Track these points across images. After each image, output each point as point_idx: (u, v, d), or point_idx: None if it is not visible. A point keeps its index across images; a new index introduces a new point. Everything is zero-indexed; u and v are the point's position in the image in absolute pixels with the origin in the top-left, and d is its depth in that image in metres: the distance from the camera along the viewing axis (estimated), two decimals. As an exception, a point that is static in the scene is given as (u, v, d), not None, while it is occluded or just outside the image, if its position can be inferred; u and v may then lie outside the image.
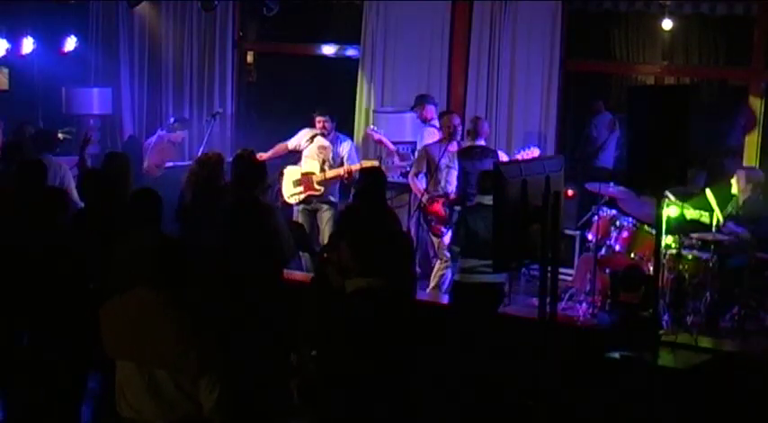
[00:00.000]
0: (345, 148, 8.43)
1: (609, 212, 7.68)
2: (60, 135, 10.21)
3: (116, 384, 3.51)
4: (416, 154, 8.60)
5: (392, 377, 3.52)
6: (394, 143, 9.30)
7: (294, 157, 8.57)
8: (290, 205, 8.43)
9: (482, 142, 7.88)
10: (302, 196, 8.36)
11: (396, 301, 3.63)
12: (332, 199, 8.44)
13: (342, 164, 8.30)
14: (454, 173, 7.88)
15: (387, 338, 3.52)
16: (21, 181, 5.84)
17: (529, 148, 8.05)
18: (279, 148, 8.57)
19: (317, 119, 8.35)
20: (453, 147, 7.94)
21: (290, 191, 8.40)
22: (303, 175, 8.36)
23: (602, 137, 10.29)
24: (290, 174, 8.45)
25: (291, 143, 8.52)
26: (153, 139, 9.91)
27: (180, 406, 3.40)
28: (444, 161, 7.91)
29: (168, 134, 9.83)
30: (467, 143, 7.95)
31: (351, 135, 9.23)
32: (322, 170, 8.28)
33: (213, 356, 3.37)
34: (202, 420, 3.41)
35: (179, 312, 3.42)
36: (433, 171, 8.01)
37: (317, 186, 8.30)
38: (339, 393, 3.53)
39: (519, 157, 7.83)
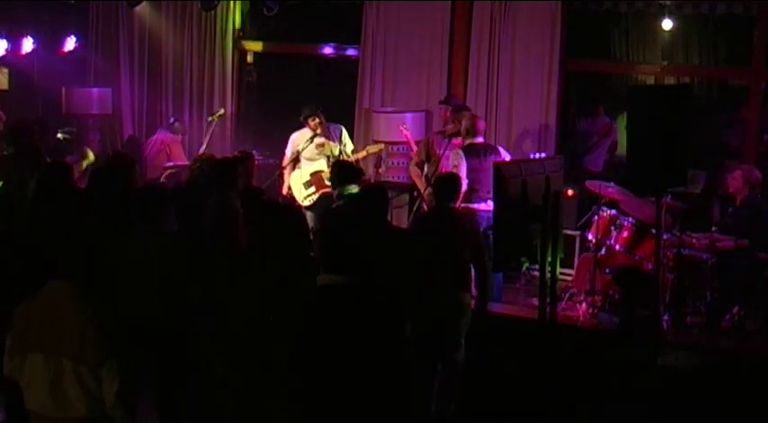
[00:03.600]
0: (342, 134, 8.61)
1: (609, 212, 7.68)
2: (60, 135, 10.24)
3: (23, 379, 3.55)
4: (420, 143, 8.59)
5: (345, 372, 3.49)
6: (394, 143, 9.31)
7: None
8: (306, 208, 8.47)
9: (481, 140, 7.87)
10: (316, 196, 8.42)
11: (359, 300, 3.61)
12: None
13: (341, 153, 8.45)
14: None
15: (339, 335, 3.51)
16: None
17: (540, 155, 8.00)
18: (286, 166, 8.59)
19: (310, 121, 8.38)
20: (458, 141, 7.94)
21: (303, 194, 8.47)
22: (312, 175, 8.45)
23: (586, 143, 10.19)
24: (296, 178, 8.52)
25: (289, 153, 8.54)
26: (158, 137, 9.92)
27: (81, 402, 3.44)
28: (448, 155, 7.90)
29: (174, 135, 9.86)
30: (465, 141, 7.93)
31: (350, 135, 9.23)
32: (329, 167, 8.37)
33: (110, 348, 3.41)
34: (105, 419, 3.45)
35: (84, 303, 3.48)
36: (434, 162, 8.02)
37: (328, 182, 8.37)
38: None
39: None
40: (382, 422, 3.50)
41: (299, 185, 8.50)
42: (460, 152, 7.68)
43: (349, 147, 8.65)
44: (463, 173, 7.58)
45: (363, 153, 8.51)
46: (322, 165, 8.41)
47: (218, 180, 6.22)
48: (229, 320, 4.23)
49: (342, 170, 6.66)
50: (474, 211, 7.25)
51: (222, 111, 10.15)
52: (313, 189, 8.43)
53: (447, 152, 7.91)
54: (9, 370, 3.64)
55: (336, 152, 8.46)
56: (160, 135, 10.00)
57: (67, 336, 3.44)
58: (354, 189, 6.65)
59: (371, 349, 3.47)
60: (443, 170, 7.84)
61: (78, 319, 3.45)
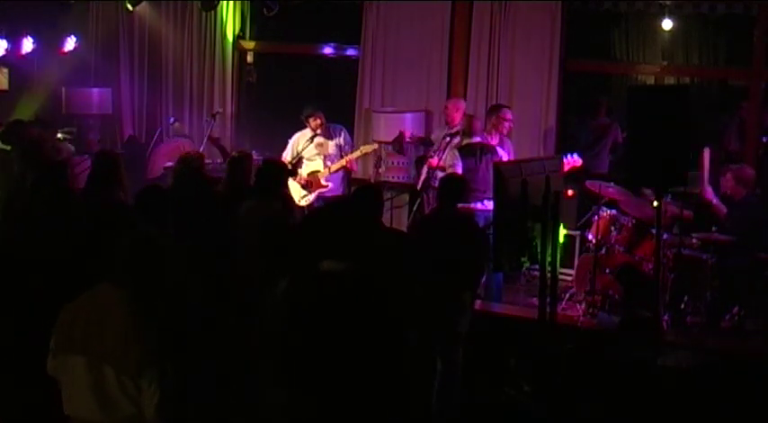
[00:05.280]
0: (342, 136, 8.62)
1: (609, 212, 7.68)
2: (60, 135, 10.24)
3: (65, 381, 3.53)
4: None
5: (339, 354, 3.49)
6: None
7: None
8: (302, 208, 8.47)
9: (477, 139, 7.88)
10: (312, 196, 8.42)
11: (360, 286, 3.62)
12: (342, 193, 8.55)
13: (341, 154, 8.46)
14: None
15: (339, 321, 3.51)
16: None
17: (571, 155, 7.74)
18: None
19: (311, 120, 8.38)
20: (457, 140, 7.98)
21: (300, 194, 8.47)
22: (309, 175, 8.44)
23: (585, 142, 10.14)
24: (294, 181, 8.52)
25: (289, 156, 8.54)
26: (166, 141, 9.92)
27: (121, 408, 3.41)
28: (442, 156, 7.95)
29: (183, 139, 9.84)
30: (463, 141, 7.94)
31: (350, 135, 9.23)
32: (326, 166, 8.39)
33: (153, 359, 3.37)
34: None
35: (132, 310, 3.45)
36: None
37: (324, 182, 8.40)
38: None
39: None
40: (382, 421, 3.50)
41: (296, 186, 8.50)
42: (456, 152, 7.71)
43: (348, 148, 8.64)
44: (459, 173, 7.61)
45: (357, 153, 8.50)
46: (319, 165, 8.43)
47: (261, 185, 6.12)
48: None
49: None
50: (472, 211, 7.25)
51: (220, 110, 10.15)
52: (309, 189, 8.44)
53: (442, 153, 7.94)
54: (52, 368, 3.63)
55: (333, 151, 8.47)
56: (177, 140, 9.99)
57: (111, 342, 3.40)
58: None
59: (371, 333, 3.48)
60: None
61: (123, 326, 3.42)
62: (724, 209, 7.44)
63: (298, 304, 3.64)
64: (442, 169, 7.76)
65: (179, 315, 4.73)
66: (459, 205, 7.26)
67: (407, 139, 9.07)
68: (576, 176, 8.52)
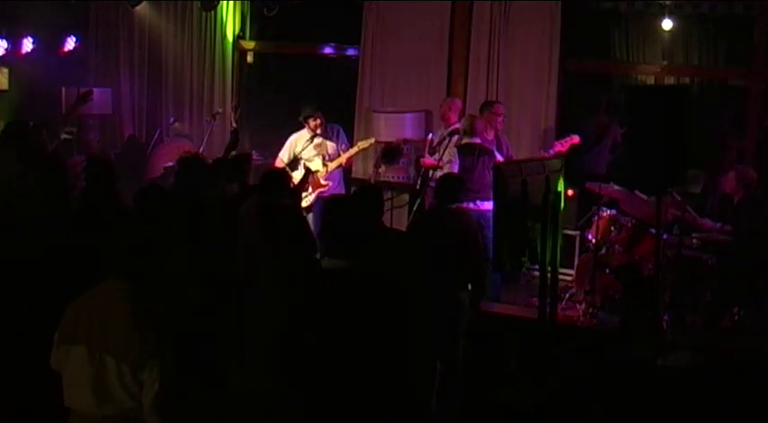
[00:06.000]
0: (340, 136, 8.65)
1: (609, 212, 7.68)
2: (61, 135, 10.22)
3: (66, 373, 3.58)
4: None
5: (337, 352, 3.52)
6: (393, 143, 9.29)
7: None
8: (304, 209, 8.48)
9: (477, 140, 7.88)
10: (312, 196, 8.43)
11: (361, 284, 3.64)
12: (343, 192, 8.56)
13: (339, 153, 8.49)
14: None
15: (341, 318, 3.54)
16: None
17: (568, 137, 7.94)
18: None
19: (311, 120, 8.38)
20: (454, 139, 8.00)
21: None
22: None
23: (585, 142, 10.10)
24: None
25: (285, 157, 8.53)
26: (166, 141, 9.91)
27: (119, 400, 3.46)
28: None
29: (183, 139, 9.83)
30: (462, 140, 7.94)
31: (350, 136, 9.23)
32: (324, 165, 8.40)
33: (155, 349, 3.43)
34: (140, 420, 3.46)
35: (132, 310, 3.50)
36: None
37: (323, 182, 8.40)
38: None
39: (558, 146, 7.94)
40: (382, 420, 3.51)
41: None
42: (455, 150, 7.72)
43: (344, 146, 8.67)
44: (455, 171, 7.63)
45: (355, 149, 8.52)
46: (318, 165, 8.44)
47: (262, 186, 6.10)
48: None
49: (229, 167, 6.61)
50: (467, 211, 7.26)
51: (220, 110, 10.15)
52: (309, 190, 8.44)
53: (442, 153, 7.94)
54: (55, 361, 3.67)
55: (332, 151, 8.49)
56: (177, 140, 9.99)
57: (113, 332, 3.46)
58: None
59: (372, 332, 3.49)
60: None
61: (127, 318, 3.47)
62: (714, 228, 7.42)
63: (298, 303, 3.65)
64: (440, 167, 7.77)
65: (179, 314, 4.74)
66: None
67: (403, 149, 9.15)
68: (575, 177, 8.53)
